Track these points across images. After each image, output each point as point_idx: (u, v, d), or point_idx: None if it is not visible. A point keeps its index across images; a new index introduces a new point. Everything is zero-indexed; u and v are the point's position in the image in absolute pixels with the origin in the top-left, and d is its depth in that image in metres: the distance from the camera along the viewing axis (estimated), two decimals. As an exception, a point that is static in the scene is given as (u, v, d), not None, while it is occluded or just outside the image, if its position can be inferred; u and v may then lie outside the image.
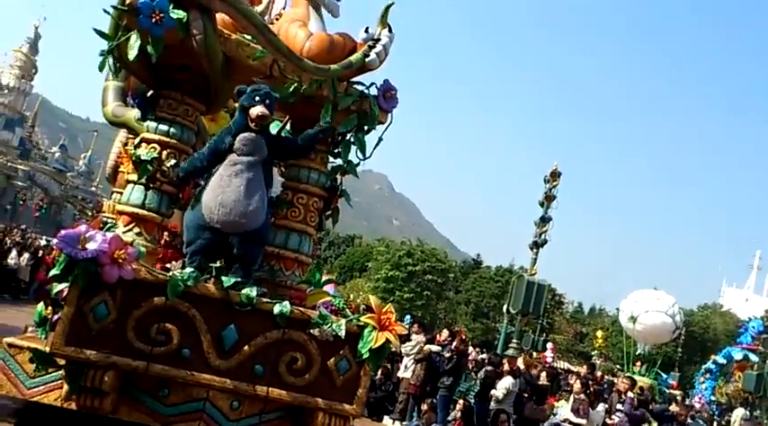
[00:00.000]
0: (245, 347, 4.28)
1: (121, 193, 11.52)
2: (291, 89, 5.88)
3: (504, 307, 21.58)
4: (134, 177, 5.64)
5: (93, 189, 40.33)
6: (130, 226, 5.58)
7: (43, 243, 22.08)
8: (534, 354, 19.90)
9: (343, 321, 4.53)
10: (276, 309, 4.35)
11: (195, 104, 5.79)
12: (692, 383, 44.14)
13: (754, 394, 25.47)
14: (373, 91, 6.22)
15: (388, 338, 4.57)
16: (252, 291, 4.28)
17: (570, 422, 9.74)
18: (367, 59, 5.97)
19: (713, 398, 24.80)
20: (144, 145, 5.69)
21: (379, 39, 5.90)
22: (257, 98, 4.68)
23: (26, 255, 17.67)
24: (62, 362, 4.01)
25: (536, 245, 21.43)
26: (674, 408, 11.00)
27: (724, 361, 25.49)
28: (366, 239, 67.17)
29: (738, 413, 19.27)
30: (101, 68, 5.55)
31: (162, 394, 4.17)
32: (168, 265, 4.22)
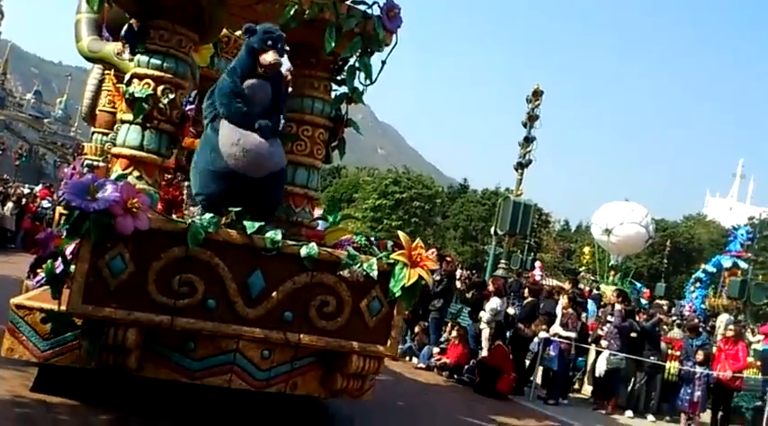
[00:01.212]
0: (273, 293, 4.00)
1: (104, 134, 11.04)
2: (292, 12, 5.45)
3: (492, 229, 21.49)
4: (129, 117, 5.23)
5: (72, 134, 39.15)
6: (129, 169, 5.22)
7: (26, 191, 21.56)
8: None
9: (373, 260, 4.25)
10: (303, 251, 4.05)
11: (188, 34, 5.32)
12: (679, 293, 45.19)
13: (738, 299, 26.02)
14: (375, 10, 5.86)
15: (420, 275, 4.32)
16: (276, 234, 3.97)
17: (560, 336, 9.88)
18: None
19: (704, 306, 25.19)
20: (136, 81, 5.26)
21: None
22: (269, 42, 4.24)
23: (9, 204, 17.16)
24: (79, 321, 3.72)
25: (521, 166, 21.27)
26: (661, 317, 11.13)
27: (714, 270, 25.64)
28: (352, 170, 66.63)
29: (723, 319, 19.62)
30: (91, 3, 5.06)
31: (188, 349, 3.91)
32: (186, 212, 3.87)
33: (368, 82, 6.00)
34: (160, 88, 5.18)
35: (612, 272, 25.44)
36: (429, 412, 7.24)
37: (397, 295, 4.31)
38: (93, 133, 11.35)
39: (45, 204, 18.28)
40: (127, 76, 5.53)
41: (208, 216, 3.87)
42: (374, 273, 4.21)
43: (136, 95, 5.12)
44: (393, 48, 6.07)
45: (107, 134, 10.20)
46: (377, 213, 46.16)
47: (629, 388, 10.04)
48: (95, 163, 9.88)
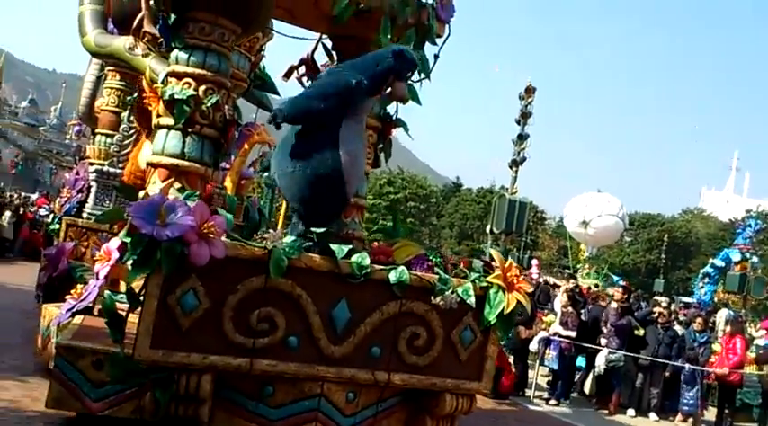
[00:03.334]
0: (360, 326, 3.44)
1: (107, 135, 10.32)
2: (345, 3, 4.92)
3: (488, 228, 21.38)
4: (167, 121, 4.68)
5: (68, 141, 38.54)
6: (170, 180, 4.67)
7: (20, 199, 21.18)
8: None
9: (468, 284, 3.70)
10: (392, 277, 3.49)
11: (231, 26, 4.77)
12: (677, 289, 45.01)
13: (737, 294, 25.77)
14: None
15: (518, 299, 3.78)
16: (364, 258, 3.40)
17: (560, 335, 9.71)
18: None
19: (712, 302, 24.72)
20: (174, 80, 4.71)
21: None
22: (409, 74, 3.82)
23: (7, 214, 16.69)
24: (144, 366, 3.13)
25: (515, 164, 21.27)
26: (657, 309, 10.94)
27: (722, 264, 25.09)
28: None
29: (722, 314, 19.44)
30: None
31: (266, 394, 3.33)
32: (266, 234, 3.30)
33: (422, 76, 5.52)
34: (202, 88, 4.66)
35: (588, 266, 25.27)
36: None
37: (492, 322, 3.78)
38: (96, 135, 10.65)
39: (42, 212, 17.94)
40: (162, 75, 4.97)
41: (289, 239, 3.29)
42: (471, 300, 3.66)
43: (176, 97, 4.57)
44: (446, 39, 5.60)
45: (111, 135, 9.55)
46: (372, 214, 45.60)
47: (634, 387, 9.80)
48: (104, 167, 9.23)
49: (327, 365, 3.36)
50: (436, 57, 5.51)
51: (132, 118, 7.27)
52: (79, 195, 9.44)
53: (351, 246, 3.42)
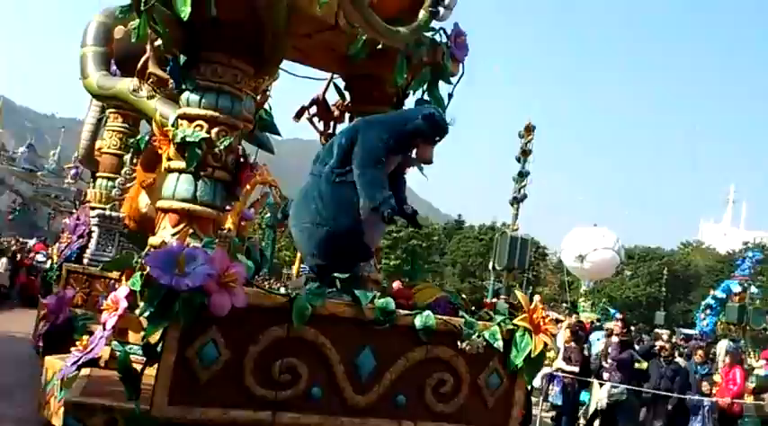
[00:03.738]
0: (386, 374, 3.31)
1: (108, 178, 10.14)
2: (362, 42, 4.90)
3: (490, 265, 21.32)
4: (178, 164, 4.58)
5: (66, 185, 38.40)
6: (181, 225, 4.55)
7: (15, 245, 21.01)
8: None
9: (495, 327, 3.58)
10: (418, 322, 3.37)
11: (244, 68, 4.72)
12: (678, 321, 44.80)
13: (737, 325, 25.61)
14: (441, 36, 5.42)
15: (545, 342, 3.66)
16: (389, 303, 3.28)
17: (563, 371, 9.64)
18: (437, 18, 5.10)
19: (713, 333, 24.54)
20: (185, 123, 4.62)
21: None
22: (438, 139, 3.72)
23: (4, 260, 16.51)
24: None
25: (516, 201, 21.34)
26: (659, 343, 10.90)
27: (723, 295, 24.99)
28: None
29: (722, 345, 19.36)
30: (140, 36, 4.47)
31: (287, 448, 3.18)
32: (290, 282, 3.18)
33: None
34: (215, 130, 4.57)
35: (583, 299, 25.24)
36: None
37: (519, 366, 3.65)
38: (97, 178, 10.47)
39: (40, 258, 17.84)
40: (172, 117, 4.90)
41: (312, 285, 3.19)
42: (499, 343, 3.54)
43: (188, 139, 4.48)
44: (460, 78, 5.56)
45: (113, 179, 9.39)
46: (375, 253, 45.52)
47: (637, 421, 9.66)
48: (106, 211, 9.06)
49: (352, 415, 3.22)
50: (450, 96, 5.47)
51: (135, 161, 7.18)
52: (80, 240, 9.23)
53: (376, 292, 3.31)
